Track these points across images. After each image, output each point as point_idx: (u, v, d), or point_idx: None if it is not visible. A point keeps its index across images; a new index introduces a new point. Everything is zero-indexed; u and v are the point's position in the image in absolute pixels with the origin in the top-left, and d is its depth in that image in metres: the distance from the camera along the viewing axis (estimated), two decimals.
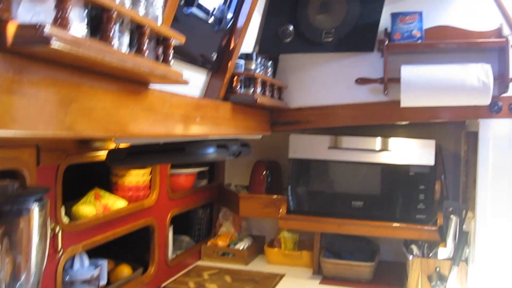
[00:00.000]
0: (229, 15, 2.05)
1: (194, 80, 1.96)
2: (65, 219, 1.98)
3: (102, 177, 2.46)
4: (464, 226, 2.64)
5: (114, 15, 1.10)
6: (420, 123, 2.91)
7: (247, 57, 2.22)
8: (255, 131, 2.50)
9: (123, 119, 1.32)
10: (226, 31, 2.06)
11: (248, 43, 2.37)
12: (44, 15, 0.97)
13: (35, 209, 1.49)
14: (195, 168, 3.06)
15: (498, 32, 2.37)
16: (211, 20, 1.92)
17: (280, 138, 3.01)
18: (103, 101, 1.23)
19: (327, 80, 2.65)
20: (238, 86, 2.17)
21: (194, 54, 1.88)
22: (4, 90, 0.92)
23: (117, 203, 2.36)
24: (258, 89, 2.23)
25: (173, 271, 2.90)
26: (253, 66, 2.23)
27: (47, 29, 0.87)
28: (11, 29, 0.88)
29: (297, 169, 2.98)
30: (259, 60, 2.29)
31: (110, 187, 2.46)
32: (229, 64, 2.07)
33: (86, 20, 1.08)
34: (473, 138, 2.62)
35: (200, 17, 1.85)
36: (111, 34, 1.10)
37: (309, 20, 2.55)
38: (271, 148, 3.29)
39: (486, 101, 2.30)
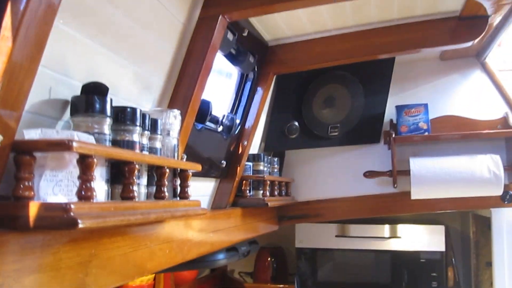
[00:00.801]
0: (237, 121, 2.03)
1: (204, 190, 1.91)
2: None
3: None
4: None
5: (136, 167, 1.05)
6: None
7: (255, 158, 2.18)
8: (264, 230, 2.44)
9: (141, 260, 1.26)
10: (234, 136, 2.03)
11: (255, 142, 2.34)
12: (66, 183, 0.92)
13: None
14: None
15: (504, 121, 2.37)
16: (220, 129, 1.89)
17: (282, 226, 2.95)
18: (121, 248, 1.17)
19: (334, 173, 2.61)
20: (247, 190, 2.12)
21: (204, 166, 1.84)
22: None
23: None
24: (267, 190, 2.18)
25: None
26: (261, 167, 2.18)
27: (73, 208, 0.81)
28: (33, 210, 0.82)
29: (304, 258, 2.90)
30: (265, 159, 2.25)
31: None
32: (238, 169, 2.03)
33: (107, 175, 1.04)
34: (481, 221, 2.58)
35: (211, 128, 1.82)
36: (132, 187, 1.05)
37: (314, 116, 2.53)
38: (275, 235, 3.21)
39: (498, 191, 2.27)
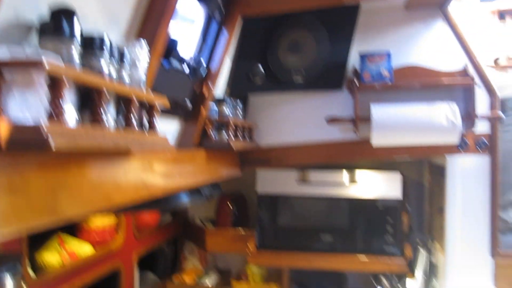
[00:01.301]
0: (203, 63, 2.01)
1: (169, 129, 1.91)
2: (31, 272, 1.87)
3: None
4: (432, 258, 2.68)
5: (105, 94, 1.04)
6: None
7: (219, 101, 2.18)
8: (227, 174, 2.46)
9: (108, 191, 1.26)
10: (200, 78, 2.02)
11: (219, 86, 2.33)
12: (35, 104, 0.90)
13: (7, 280, 1.40)
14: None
15: (464, 72, 2.43)
16: (187, 70, 1.87)
17: (246, 172, 2.98)
18: (89, 178, 1.17)
19: (297, 119, 2.64)
20: (212, 132, 2.13)
21: (170, 104, 1.83)
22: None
23: (83, 248, 2.25)
24: (231, 133, 2.19)
25: None
26: (225, 111, 2.19)
27: (46, 129, 0.81)
28: (4, 130, 0.81)
29: (265, 204, 2.95)
30: (230, 102, 2.25)
31: (74, 231, 2.35)
32: (203, 110, 2.03)
33: (76, 101, 1.02)
34: (437, 170, 2.67)
35: (178, 69, 1.80)
36: (102, 113, 1.04)
37: (279, 61, 2.54)
38: (237, 182, 3.25)
39: (455, 139, 2.34)
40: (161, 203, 1.98)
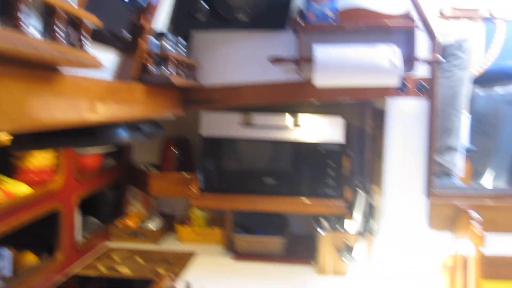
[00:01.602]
0: None
1: (105, 61, 1.85)
2: None
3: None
4: (370, 200, 2.76)
5: None
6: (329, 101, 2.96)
7: (160, 35, 2.13)
8: (168, 112, 2.42)
9: (34, 109, 1.21)
10: (139, 9, 1.95)
11: (161, 21, 2.27)
12: None
13: None
14: (101, 148, 2.94)
15: (407, 16, 2.45)
16: None
17: (188, 115, 2.94)
18: (10, 91, 1.11)
19: (241, 59, 2.61)
20: (151, 66, 2.08)
21: (106, 34, 1.77)
22: None
23: (20, 188, 2.20)
24: (172, 69, 2.15)
25: (81, 255, 2.79)
26: (166, 45, 2.14)
27: None
28: None
29: (208, 146, 2.94)
30: (171, 38, 2.20)
31: (10, 171, 2.29)
32: (142, 43, 1.97)
33: None
34: (379, 115, 2.71)
35: None
36: (22, 19, 0.99)
37: None
38: (181, 125, 3.22)
39: (395, 81, 2.38)
40: (98, 136, 1.94)
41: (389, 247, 2.59)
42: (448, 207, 2.50)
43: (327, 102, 2.91)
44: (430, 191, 2.52)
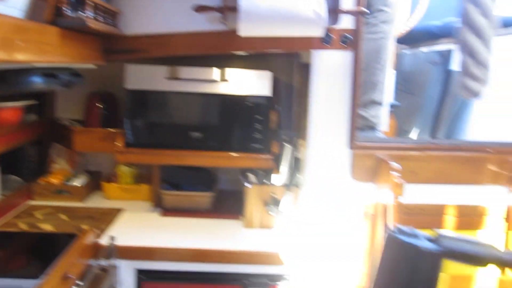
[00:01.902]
0: None
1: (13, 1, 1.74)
2: None
3: None
4: (297, 154, 2.78)
5: None
6: (256, 55, 2.95)
7: None
8: (86, 60, 2.33)
9: None
10: None
11: None
12: None
13: None
14: (21, 101, 2.80)
15: None
16: None
17: (115, 69, 2.85)
18: None
19: (164, 7, 2.53)
20: (66, 9, 1.98)
21: None
22: None
23: None
24: (89, 13, 2.06)
25: (1, 215, 2.68)
26: None
27: None
28: None
29: (134, 100, 2.87)
30: None
31: None
32: None
33: None
34: (306, 70, 2.72)
35: None
36: None
37: None
38: (106, 79, 3.12)
39: (319, 32, 2.37)
40: (9, 82, 1.85)
41: (314, 199, 2.63)
42: (370, 158, 2.56)
43: (254, 55, 2.90)
44: (353, 143, 2.56)
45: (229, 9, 2.40)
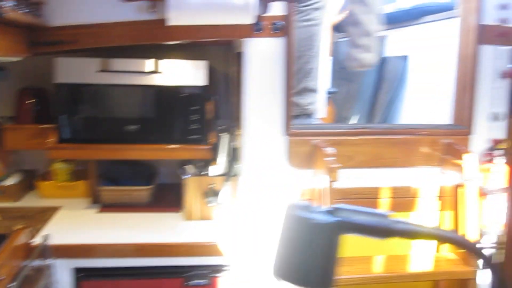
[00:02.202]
0: None
1: None
2: None
3: None
4: (234, 144, 2.77)
5: None
6: (192, 46, 2.91)
7: None
8: (9, 53, 2.24)
9: None
10: None
11: None
12: None
13: None
14: None
15: None
16: None
17: (46, 62, 2.76)
18: None
19: None
20: None
21: None
22: None
23: None
24: (10, 3, 1.98)
25: None
26: None
27: None
28: None
29: (65, 95, 2.78)
30: None
31: None
32: None
33: None
34: (241, 59, 2.70)
35: None
36: None
37: None
38: (37, 74, 3.02)
39: (250, 20, 2.36)
40: None
41: (252, 187, 2.62)
42: (306, 145, 2.57)
43: (191, 45, 2.86)
44: (288, 131, 2.57)
45: None
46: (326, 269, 0.75)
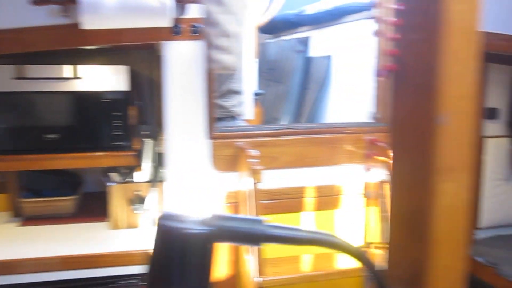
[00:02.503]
0: None
1: None
2: None
3: None
4: (159, 149, 2.72)
5: None
6: (113, 50, 2.84)
7: None
8: None
9: None
10: None
11: None
12: None
13: None
14: None
15: None
16: None
17: None
18: None
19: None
20: None
21: None
22: None
23: None
24: None
25: None
26: None
27: None
28: None
29: None
30: None
31: None
32: None
33: None
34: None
35: None
36: None
37: None
38: None
39: (166, 22, 2.32)
40: None
41: (177, 193, 2.58)
42: (230, 147, 2.56)
43: (112, 50, 2.80)
44: (212, 134, 2.55)
45: (70, 1, 2.28)
46: (201, 280, 0.73)
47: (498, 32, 2.95)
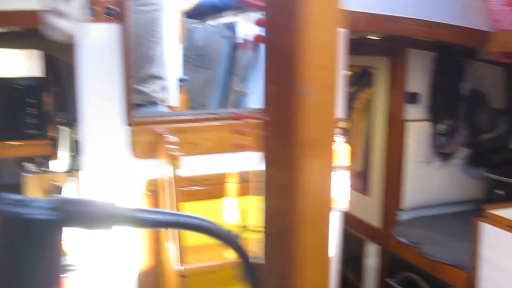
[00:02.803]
0: None
1: None
2: None
3: None
4: (75, 137, 2.63)
5: None
6: (25, 34, 2.70)
7: None
8: None
9: None
10: None
11: None
12: None
13: None
14: None
15: None
16: None
17: None
18: None
19: None
20: None
21: None
22: None
23: None
24: None
25: None
26: None
27: None
28: None
29: None
30: None
31: None
32: None
33: None
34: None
35: None
36: None
37: None
38: None
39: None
40: None
41: (96, 181, 2.50)
42: (149, 134, 2.49)
43: (22, 34, 2.65)
44: (130, 120, 2.47)
45: None
46: (49, 269, 0.69)
47: (418, 18, 3.01)
